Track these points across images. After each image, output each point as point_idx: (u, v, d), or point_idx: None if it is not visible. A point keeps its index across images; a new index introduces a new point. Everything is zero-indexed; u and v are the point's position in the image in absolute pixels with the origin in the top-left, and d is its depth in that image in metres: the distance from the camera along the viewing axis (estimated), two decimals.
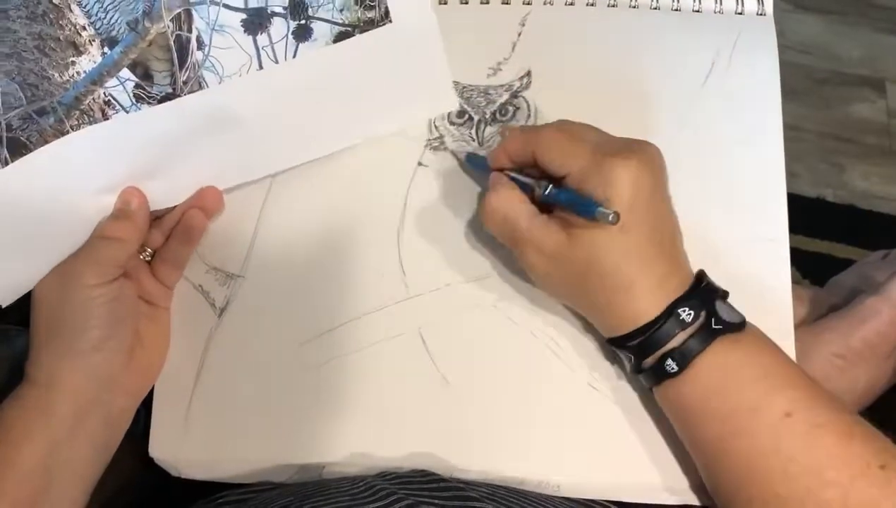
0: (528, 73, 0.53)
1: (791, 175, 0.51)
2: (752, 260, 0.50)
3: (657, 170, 0.43)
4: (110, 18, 0.45)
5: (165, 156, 0.48)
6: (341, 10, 0.48)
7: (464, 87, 0.53)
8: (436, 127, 0.53)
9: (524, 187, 0.46)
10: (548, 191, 0.44)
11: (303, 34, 0.47)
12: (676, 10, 0.55)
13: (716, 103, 0.53)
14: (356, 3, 0.48)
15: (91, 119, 0.45)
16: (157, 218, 0.50)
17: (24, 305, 0.47)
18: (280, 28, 0.47)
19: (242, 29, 0.47)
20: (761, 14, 0.55)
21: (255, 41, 0.47)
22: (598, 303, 0.44)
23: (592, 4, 0.55)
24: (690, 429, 0.44)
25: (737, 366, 0.42)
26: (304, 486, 0.45)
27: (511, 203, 0.45)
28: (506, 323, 0.49)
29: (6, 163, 0.45)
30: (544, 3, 0.55)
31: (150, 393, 0.50)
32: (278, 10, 0.47)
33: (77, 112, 0.45)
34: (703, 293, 0.43)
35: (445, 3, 0.55)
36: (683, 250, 0.45)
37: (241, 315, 0.51)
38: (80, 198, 0.47)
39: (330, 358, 0.49)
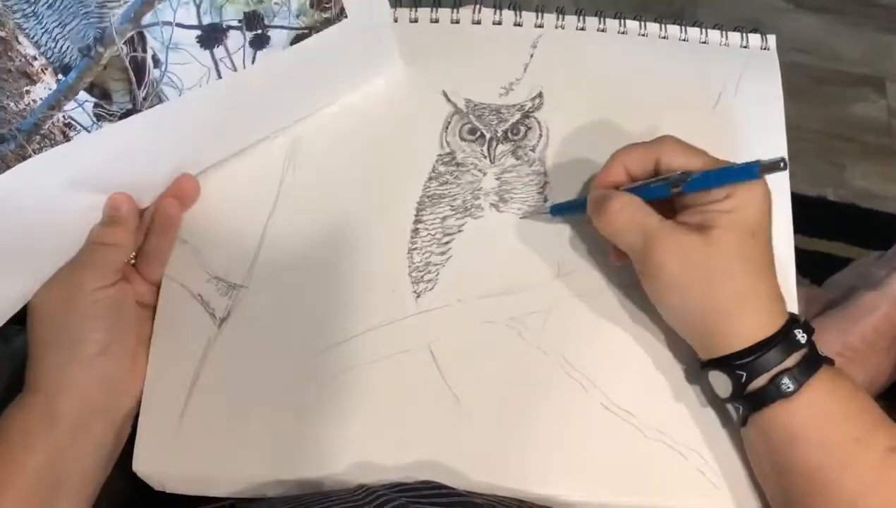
0: (540, 94, 0.54)
1: (791, 174, 0.52)
2: None
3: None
4: (61, 47, 0.43)
5: (131, 168, 0.48)
6: (298, 16, 0.47)
7: (476, 105, 0.54)
8: (447, 143, 0.54)
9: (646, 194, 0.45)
10: (691, 178, 0.43)
11: (259, 42, 0.47)
12: (684, 40, 0.57)
13: (723, 131, 0.53)
14: (312, 7, 0.47)
15: (53, 141, 0.44)
16: None
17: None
18: (236, 40, 0.46)
19: (198, 44, 0.46)
20: (765, 49, 0.57)
21: (211, 54, 0.46)
22: (717, 313, 0.43)
23: (603, 30, 0.56)
24: (789, 459, 0.43)
25: (845, 396, 0.43)
26: (304, 494, 0.45)
27: (636, 205, 0.45)
28: (518, 341, 0.49)
29: None
30: (556, 27, 0.56)
31: None
32: (233, 23, 0.46)
33: (38, 137, 0.44)
34: (805, 324, 0.44)
35: (457, 23, 0.56)
36: None
37: (242, 326, 0.50)
38: (53, 217, 0.46)
39: (336, 372, 0.49)
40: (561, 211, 0.51)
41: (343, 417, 0.48)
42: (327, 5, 0.48)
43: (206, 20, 0.46)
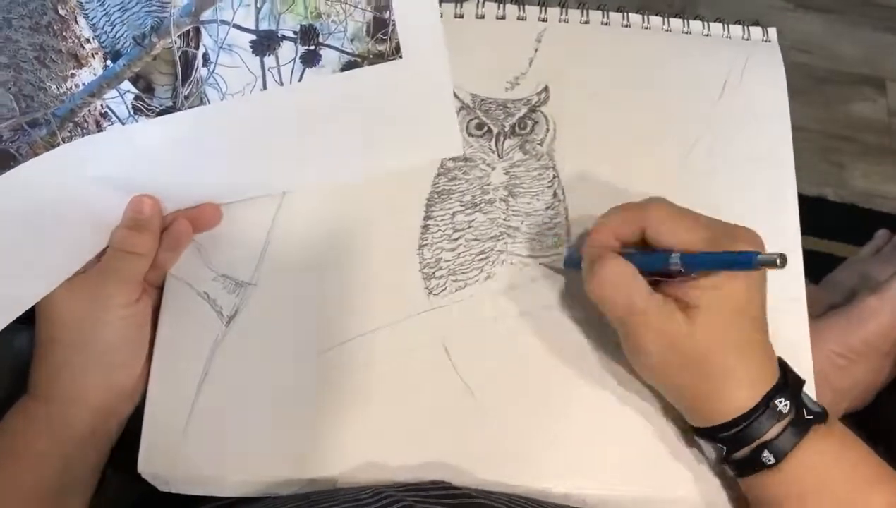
0: (546, 89, 0.54)
1: None
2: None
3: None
4: (116, 32, 0.44)
5: (160, 171, 0.48)
6: (352, 40, 0.47)
7: (482, 100, 0.54)
8: None
9: (640, 264, 0.43)
10: (684, 259, 0.41)
11: (311, 59, 0.47)
12: (687, 32, 0.57)
13: (730, 121, 0.54)
14: (367, 35, 0.47)
15: (85, 131, 0.44)
16: None
17: None
18: (288, 51, 0.46)
19: (250, 49, 0.46)
20: (767, 40, 0.57)
21: (261, 62, 0.46)
22: (698, 391, 0.43)
23: (607, 24, 0.56)
24: None
25: (832, 459, 0.42)
26: (311, 493, 0.45)
27: (625, 275, 0.43)
28: (532, 336, 0.49)
29: None
30: (559, 21, 0.56)
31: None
32: (289, 34, 0.46)
33: (71, 124, 0.44)
34: (793, 384, 0.43)
35: (461, 17, 0.56)
36: None
37: (251, 324, 0.49)
38: (73, 212, 0.46)
39: (348, 369, 0.48)
40: (575, 264, 0.49)
41: (355, 415, 0.48)
42: (383, 37, 0.47)
43: (264, 26, 0.46)
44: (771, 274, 0.49)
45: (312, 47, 0.47)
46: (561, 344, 0.49)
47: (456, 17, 0.56)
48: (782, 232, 0.51)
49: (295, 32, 0.46)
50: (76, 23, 0.43)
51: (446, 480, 0.46)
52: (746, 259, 0.39)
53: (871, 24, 1.46)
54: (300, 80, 0.47)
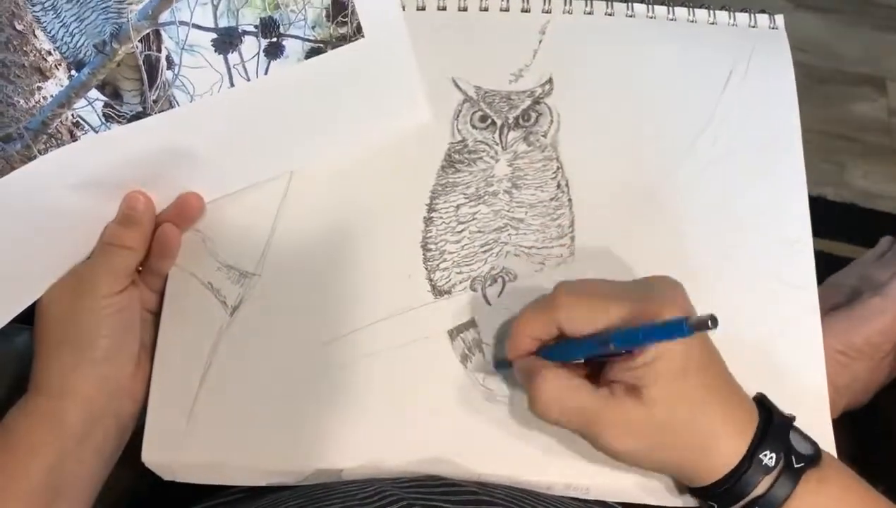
0: (550, 80, 0.54)
1: None
2: (773, 259, 0.50)
3: (689, 301, 0.42)
4: (76, 42, 0.44)
5: (138, 174, 0.48)
6: (313, 27, 0.47)
7: (486, 92, 0.54)
8: (458, 130, 0.53)
9: (576, 354, 0.43)
10: (618, 341, 0.39)
11: (274, 51, 0.47)
12: (692, 21, 0.57)
13: (735, 110, 0.53)
14: (328, 20, 0.47)
15: (59, 141, 0.44)
16: None
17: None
18: (251, 46, 0.46)
19: (213, 48, 0.46)
20: (773, 28, 0.57)
21: (225, 60, 0.46)
22: (681, 461, 0.42)
23: (611, 14, 0.56)
24: None
25: (831, 503, 0.41)
26: (314, 488, 0.45)
27: (565, 388, 0.42)
28: None
29: None
30: (563, 12, 0.56)
31: None
32: (249, 28, 0.46)
33: (44, 136, 0.44)
34: (777, 428, 0.41)
35: (465, 10, 0.56)
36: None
37: (255, 314, 0.49)
38: (60, 219, 0.46)
39: (353, 360, 0.48)
40: (504, 367, 0.48)
41: (359, 406, 0.48)
42: (343, 20, 0.47)
43: (223, 23, 0.46)
44: (777, 271, 0.50)
45: (275, 39, 0.47)
46: None
47: (460, 9, 0.56)
48: (791, 221, 0.51)
49: (255, 26, 0.46)
50: (35, 36, 0.44)
51: (449, 472, 0.46)
52: (679, 328, 0.37)
53: (871, 23, 1.46)
54: (266, 73, 0.47)
